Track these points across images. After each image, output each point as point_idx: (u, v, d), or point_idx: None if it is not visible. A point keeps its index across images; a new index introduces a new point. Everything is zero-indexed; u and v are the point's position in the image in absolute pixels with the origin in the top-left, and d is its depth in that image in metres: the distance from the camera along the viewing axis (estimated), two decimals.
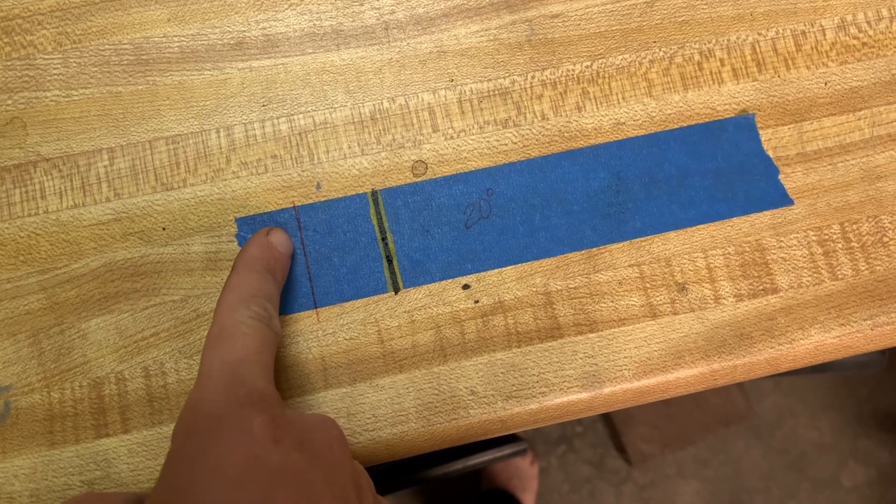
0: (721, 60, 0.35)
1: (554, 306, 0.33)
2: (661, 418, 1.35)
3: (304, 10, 0.35)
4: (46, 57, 0.34)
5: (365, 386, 0.32)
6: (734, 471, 1.34)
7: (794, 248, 0.34)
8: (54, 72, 0.34)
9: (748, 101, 0.35)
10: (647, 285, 0.33)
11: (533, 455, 1.29)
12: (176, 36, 0.34)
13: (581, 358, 0.32)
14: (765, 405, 1.36)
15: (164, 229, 0.32)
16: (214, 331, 0.26)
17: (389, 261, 0.33)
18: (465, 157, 0.34)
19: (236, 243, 0.32)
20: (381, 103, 0.34)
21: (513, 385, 0.32)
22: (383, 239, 0.33)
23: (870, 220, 0.34)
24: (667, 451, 1.34)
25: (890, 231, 0.34)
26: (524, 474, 1.24)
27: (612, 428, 1.34)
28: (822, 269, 0.34)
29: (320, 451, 0.24)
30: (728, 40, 0.36)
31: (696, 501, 1.32)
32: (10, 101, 0.33)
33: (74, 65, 0.34)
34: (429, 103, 0.34)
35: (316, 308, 0.32)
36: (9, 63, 0.34)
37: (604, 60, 0.35)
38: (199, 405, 0.24)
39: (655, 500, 1.32)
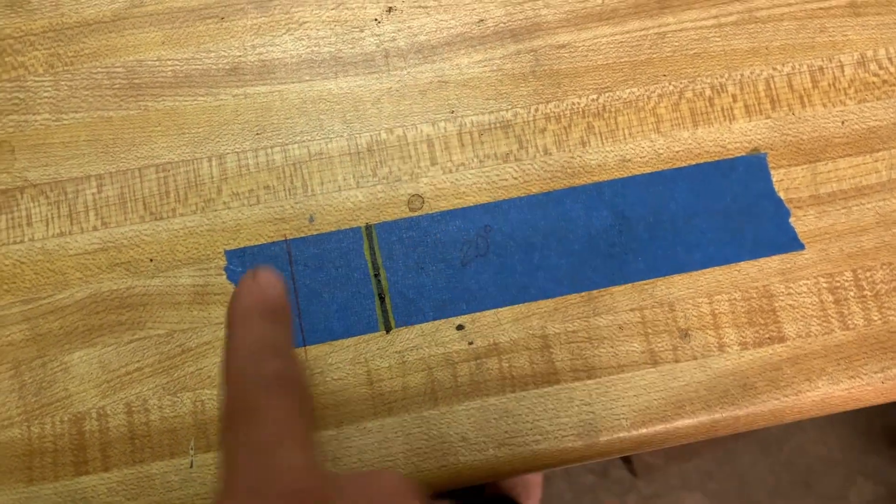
0: (733, 96, 0.34)
1: (551, 350, 0.32)
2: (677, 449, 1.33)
3: (303, 35, 0.34)
4: (37, 79, 0.33)
5: (352, 429, 0.31)
6: (740, 484, 1.33)
7: (804, 295, 0.32)
8: (45, 94, 0.33)
9: (760, 139, 0.34)
10: (649, 331, 0.32)
11: None
12: (170, 59, 0.33)
13: (577, 405, 0.31)
14: None
15: (151, 260, 0.32)
16: (228, 409, 0.21)
17: (382, 298, 0.32)
18: (464, 192, 0.33)
19: (225, 276, 0.32)
20: (379, 134, 0.33)
21: (506, 432, 0.31)
22: (376, 275, 0.32)
23: (884, 267, 0.33)
24: (672, 463, 1.33)
25: None
26: (528, 481, 1.23)
27: None
28: (833, 317, 0.32)
29: None
30: (741, 75, 0.34)
31: None
32: None
33: (66, 88, 0.33)
34: (428, 135, 0.33)
35: (304, 346, 0.31)
36: None
37: (611, 94, 0.34)
38: None
39: None
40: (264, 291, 0.23)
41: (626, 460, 1.31)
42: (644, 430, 0.31)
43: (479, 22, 0.34)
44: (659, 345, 0.32)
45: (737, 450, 1.32)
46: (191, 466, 0.30)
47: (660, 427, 0.31)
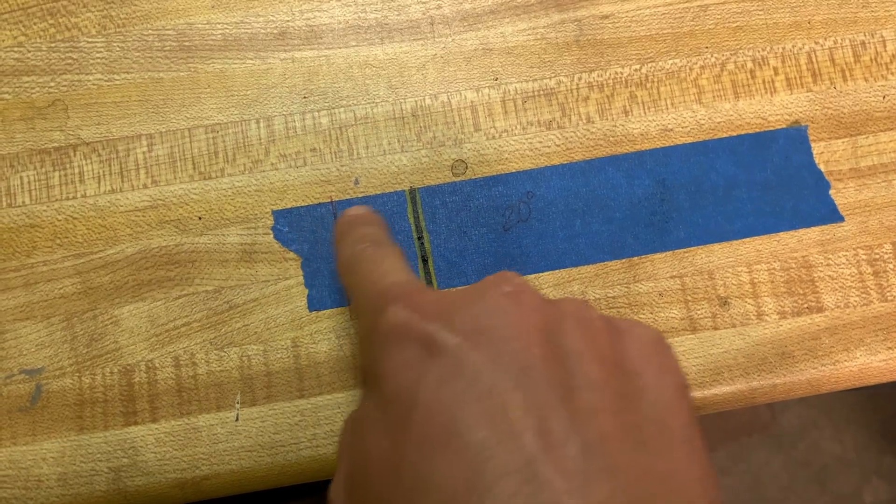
0: (775, 69, 0.34)
1: None
2: None
3: (350, 1, 0.34)
4: (90, 40, 0.34)
5: None
6: (754, 481, 1.33)
7: (843, 266, 0.33)
8: (97, 55, 0.33)
9: (801, 112, 0.34)
10: (689, 298, 0.32)
11: None
12: (219, 23, 0.34)
13: None
14: (788, 416, 1.34)
15: (200, 219, 0.32)
16: (341, 263, 0.27)
17: (425, 261, 0.32)
18: (507, 158, 0.33)
19: (272, 236, 0.32)
20: (424, 100, 0.34)
21: None
22: (419, 238, 0.32)
23: None
24: None
25: None
26: None
27: None
28: (871, 289, 0.33)
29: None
30: (783, 48, 0.34)
31: None
32: (52, 84, 0.33)
33: (117, 49, 0.34)
34: (472, 101, 0.34)
35: (349, 305, 0.32)
36: (53, 45, 0.33)
37: (653, 64, 0.34)
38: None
39: None
40: (360, 209, 0.29)
41: None
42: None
43: None
44: (698, 312, 0.32)
45: (751, 445, 1.32)
46: (236, 420, 0.31)
47: (698, 393, 0.31)
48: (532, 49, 0.34)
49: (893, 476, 1.33)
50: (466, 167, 0.33)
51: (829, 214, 0.33)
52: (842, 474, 1.34)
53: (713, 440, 1.31)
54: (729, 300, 0.32)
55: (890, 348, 0.32)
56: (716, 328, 0.32)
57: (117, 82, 0.33)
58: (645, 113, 0.34)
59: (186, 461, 0.30)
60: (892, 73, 0.34)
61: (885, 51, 0.35)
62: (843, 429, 1.34)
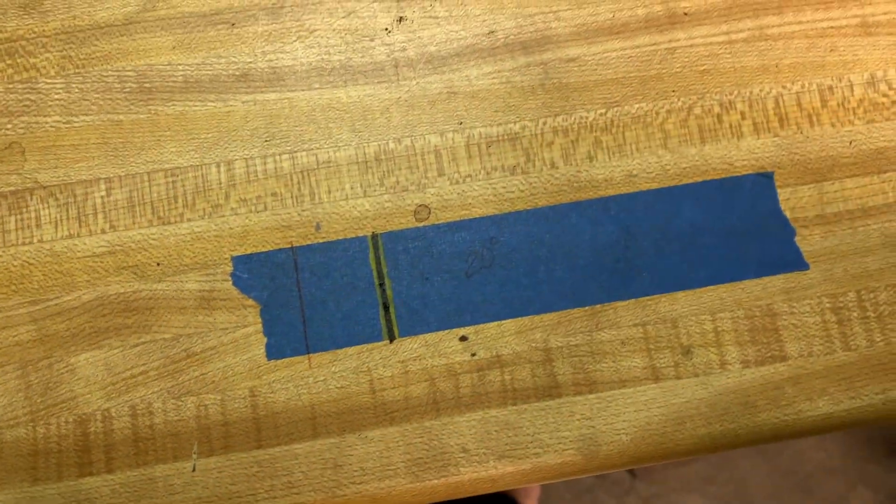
0: (742, 113, 0.34)
1: (553, 363, 0.32)
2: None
3: (314, 42, 0.34)
4: (49, 81, 0.33)
5: (354, 437, 0.31)
6: (739, 489, 1.33)
7: (807, 314, 0.33)
8: (56, 97, 0.33)
9: (768, 157, 0.34)
10: (651, 346, 0.32)
11: None
12: (181, 64, 0.33)
13: (578, 419, 0.31)
14: None
15: (158, 265, 0.32)
16: None
17: (386, 308, 0.32)
18: (470, 204, 0.33)
19: (231, 282, 0.32)
20: (387, 144, 0.33)
21: (506, 444, 0.31)
22: (381, 284, 0.32)
23: (889, 288, 0.33)
24: (671, 466, 1.33)
25: None
26: None
27: None
28: (835, 338, 0.32)
29: None
30: (751, 92, 0.34)
31: None
32: (9, 126, 0.33)
33: (76, 90, 0.33)
34: (436, 146, 0.33)
35: (308, 353, 0.31)
36: (10, 86, 0.33)
37: (619, 108, 0.34)
38: None
39: None
40: None
41: None
42: (644, 446, 0.31)
43: (489, 34, 0.34)
44: (661, 361, 0.32)
45: (736, 454, 1.32)
46: (193, 470, 0.30)
47: (660, 443, 0.31)
48: (497, 93, 0.34)
49: (878, 484, 1.34)
50: (430, 212, 0.33)
51: (795, 262, 0.33)
52: (826, 482, 1.34)
53: None
54: (692, 349, 0.32)
55: (852, 398, 0.32)
56: (678, 377, 0.32)
57: (76, 125, 0.33)
58: (610, 158, 0.33)
59: None
60: (858, 118, 0.34)
61: (853, 95, 0.34)
62: (828, 437, 1.35)
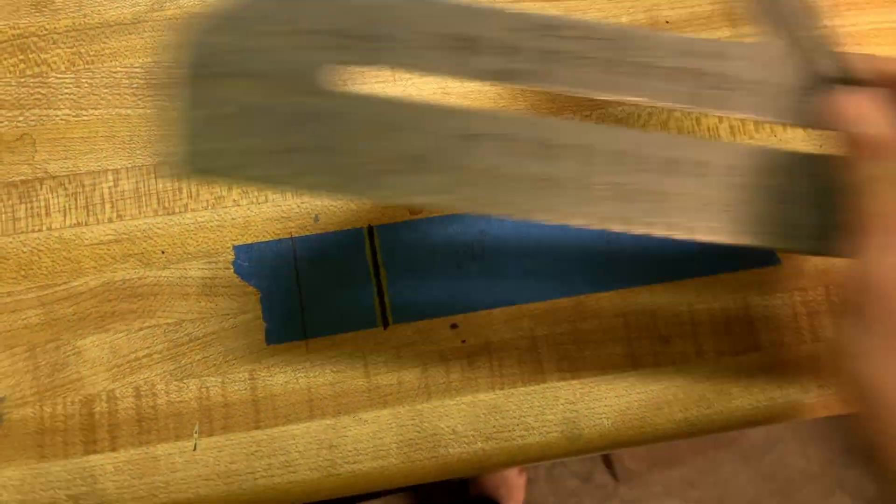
0: (719, 117, 0.36)
1: (539, 350, 0.33)
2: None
3: None
4: (59, 76, 0.35)
5: (349, 419, 0.32)
6: (720, 493, 1.35)
7: (779, 307, 0.34)
8: (66, 91, 0.34)
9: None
10: (632, 336, 0.34)
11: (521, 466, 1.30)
12: None
13: (562, 403, 0.33)
14: (755, 431, 1.36)
15: (163, 252, 0.33)
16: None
17: (381, 296, 0.34)
18: None
19: (233, 270, 0.33)
20: None
21: (493, 426, 0.33)
22: (376, 274, 0.34)
23: None
24: (655, 470, 1.35)
25: None
26: (511, 483, 1.25)
27: None
28: (805, 329, 0.34)
29: None
30: None
31: None
32: (21, 118, 0.34)
33: (86, 85, 0.35)
34: None
35: (306, 339, 0.33)
36: (22, 80, 0.34)
37: (603, 111, 0.36)
38: None
39: None
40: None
41: (609, 465, 1.33)
42: (624, 429, 0.33)
43: None
44: (640, 349, 0.34)
45: (718, 459, 1.35)
46: (194, 449, 0.32)
47: (639, 427, 0.33)
48: (487, 94, 0.35)
49: (856, 490, 1.36)
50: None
51: (768, 257, 0.35)
52: (806, 487, 1.36)
53: (681, 453, 1.33)
54: (670, 338, 0.34)
55: (820, 386, 0.34)
56: (657, 365, 0.34)
57: (85, 118, 0.34)
58: None
59: (144, 489, 0.31)
60: None
61: None
62: (808, 444, 1.37)
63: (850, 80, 0.25)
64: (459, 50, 0.25)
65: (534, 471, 1.33)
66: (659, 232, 0.26)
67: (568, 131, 0.25)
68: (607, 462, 1.34)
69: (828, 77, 0.26)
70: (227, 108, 0.24)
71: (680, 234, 0.26)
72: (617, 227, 0.25)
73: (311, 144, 0.24)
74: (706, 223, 0.26)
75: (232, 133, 0.24)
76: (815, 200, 0.26)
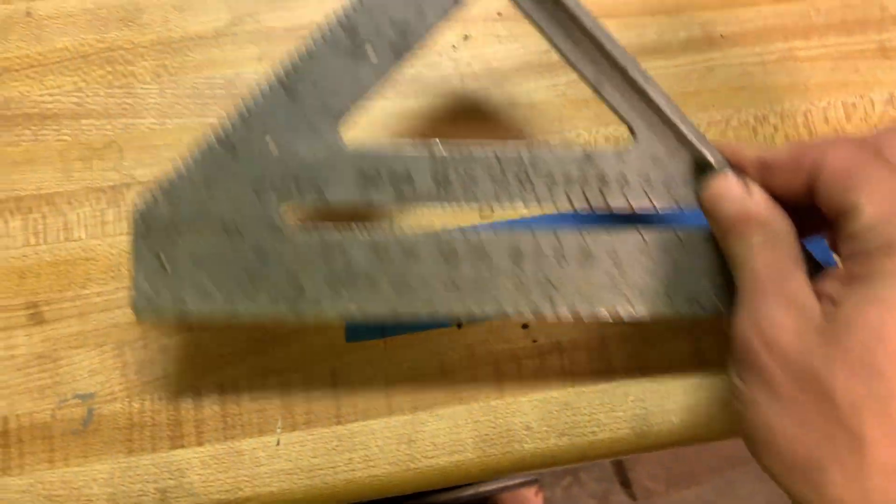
0: (774, 126, 0.37)
1: (608, 349, 0.34)
2: (668, 456, 1.35)
3: None
4: (145, 87, 0.36)
5: (426, 414, 0.33)
6: None
7: None
8: (151, 101, 0.36)
9: None
10: (698, 333, 0.35)
11: (538, 485, 1.30)
12: (265, 73, 0.36)
13: (632, 401, 0.34)
14: None
15: None
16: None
17: None
18: None
19: None
20: None
21: (566, 423, 0.34)
22: None
23: None
24: (672, 490, 1.34)
25: None
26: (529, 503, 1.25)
27: (618, 463, 1.34)
28: None
29: None
30: (782, 108, 0.38)
31: None
32: (109, 126, 0.36)
33: (170, 95, 0.36)
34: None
35: (384, 337, 0.34)
36: (110, 91, 0.36)
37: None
38: None
39: None
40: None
41: (627, 485, 1.33)
42: (692, 427, 0.34)
43: (545, 51, 0.37)
44: (707, 346, 0.35)
45: (735, 479, 1.34)
46: (277, 444, 0.33)
47: (705, 424, 0.34)
48: (553, 104, 0.37)
49: None
50: (493, 210, 0.36)
51: (823, 259, 0.36)
52: None
53: (699, 473, 1.33)
54: None
55: None
56: (723, 363, 0.35)
57: (169, 126, 0.36)
58: None
59: (229, 483, 0.32)
60: None
61: (874, 111, 0.38)
62: None
63: (723, 165, 0.29)
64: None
65: (550, 490, 1.32)
66: (563, 313, 0.29)
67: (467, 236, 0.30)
68: (625, 482, 1.34)
69: (705, 165, 0.30)
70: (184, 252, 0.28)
71: (584, 314, 0.29)
72: (526, 313, 0.29)
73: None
74: (608, 303, 0.30)
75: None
76: (708, 270, 0.30)
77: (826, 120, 0.38)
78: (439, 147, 0.29)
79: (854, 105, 0.38)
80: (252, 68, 0.37)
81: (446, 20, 0.29)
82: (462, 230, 0.29)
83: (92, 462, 0.32)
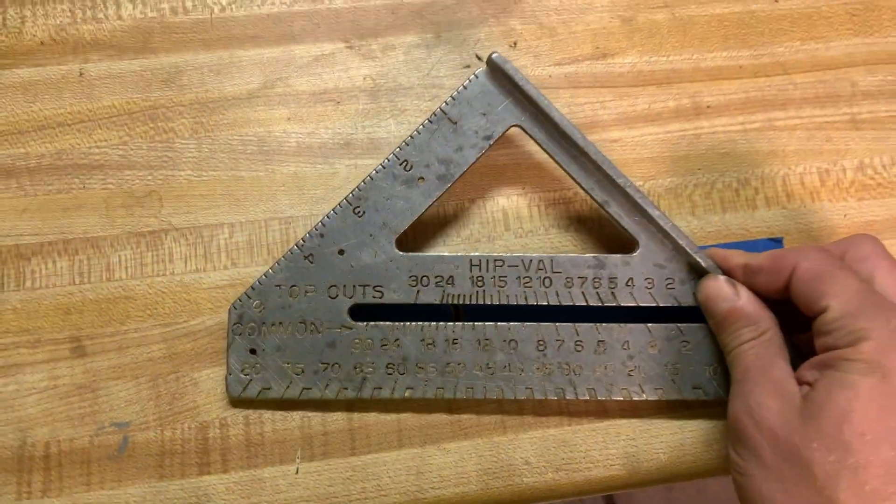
0: (756, 189, 0.41)
1: None
2: (661, 501, 1.36)
3: (404, 120, 0.41)
4: (183, 142, 0.40)
5: (433, 448, 0.36)
6: None
7: None
8: (189, 154, 0.40)
9: (778, 225, 0.41)
10: None
11: None
12: (294, 132, 0.40)
13: (623, 439, 0.37)
14: None
15: None
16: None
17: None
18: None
19: None
20: (463, 203, 0.40)
21: (562, 459, 0.37)
22: (457, 318, 0.38)
23: None
24: None
25: None
26: None
27: (609, 498, 1.35)
28: None
29: None
30: (762, 172, 0.41)
31: None
32: (150, 177, 0.39)
33: (206, 150, 0.40)
34: (503, 206, 0.40)
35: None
36: (151, 144, 0.40)
37: (654, 181, 0.41)
38: None
39: None
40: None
41: None
42: (679, 464, 0.37)
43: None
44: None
45: None
46: (296, 473, 0.36)
47: (692, 462, 0.37)
48: (553, 165, 0.41)
49: None
50: None
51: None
52: None
53: None
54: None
55: None
56: (706, 405, 0.38)
57: (205, 178, 0.39)
58: None
59: None
60: (851, 196, 0.41)
61: (845, 177, 0.42)
62: None
63: (714, 269, 0.35)
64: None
65: None
66: (583, 396, 0.36)
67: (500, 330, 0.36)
68: None
69: (699, 269, 0.36)
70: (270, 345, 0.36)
71: (602, 397, 0.36)
72: (550, 395, 0.36)
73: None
74: (621, 387, 0.36)
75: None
76: (709, 360, 0.36)
77: (802, 184, 0.41)
78: (476, 256, 0.36)
79: (827, 171, 0.42)
80: (281, 127, 0.40)
81: (481, 155, 0.36)
82: (495, 323, 0.36)
83: (126, 486, 0.35)
